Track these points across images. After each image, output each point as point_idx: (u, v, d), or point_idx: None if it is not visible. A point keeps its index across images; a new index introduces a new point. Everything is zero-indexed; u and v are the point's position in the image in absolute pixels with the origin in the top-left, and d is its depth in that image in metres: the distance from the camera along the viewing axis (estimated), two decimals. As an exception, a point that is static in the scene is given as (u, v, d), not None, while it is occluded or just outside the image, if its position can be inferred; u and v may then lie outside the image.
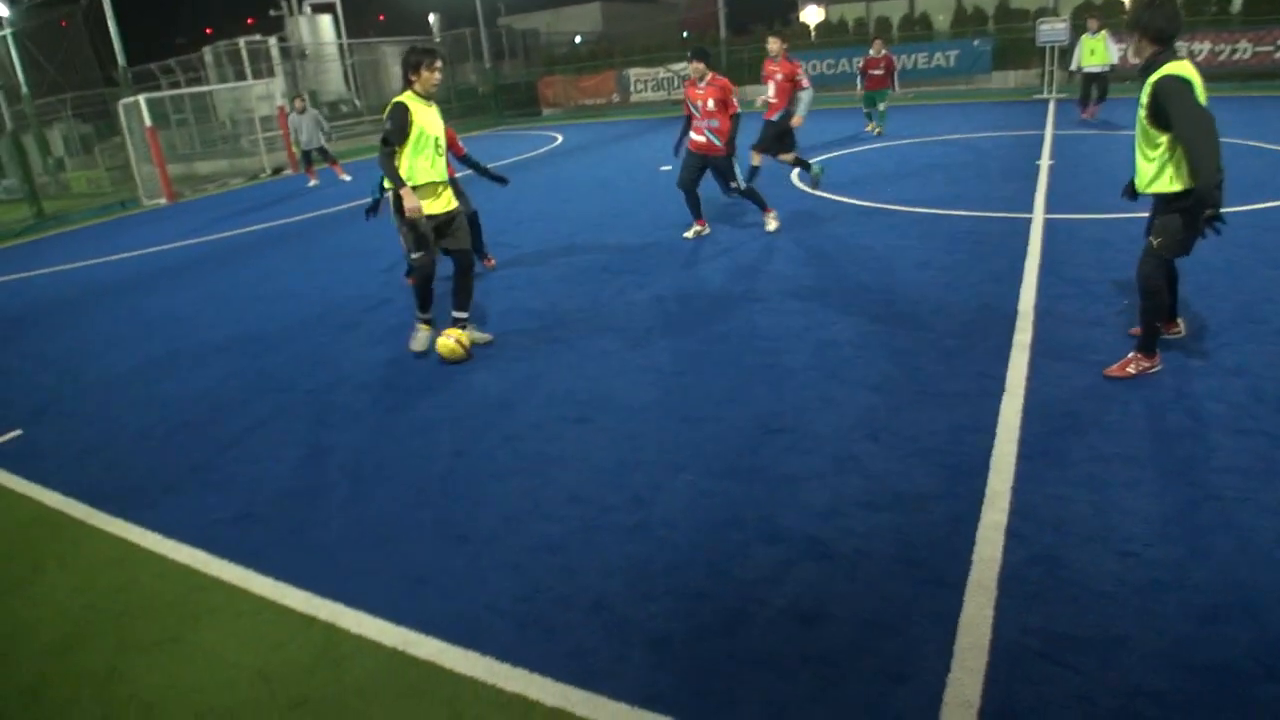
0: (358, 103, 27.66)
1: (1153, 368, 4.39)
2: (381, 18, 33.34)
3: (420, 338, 5.66)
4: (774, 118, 9.09)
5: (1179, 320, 4.81)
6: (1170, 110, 3.76)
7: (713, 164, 7.67)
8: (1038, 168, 10.43)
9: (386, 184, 5.42)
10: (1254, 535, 3.07)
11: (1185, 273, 6.01)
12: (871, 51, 14.25)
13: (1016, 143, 12.51)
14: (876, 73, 14.18)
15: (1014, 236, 7.24)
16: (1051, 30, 18.63)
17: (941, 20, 24.95)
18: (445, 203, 5.40)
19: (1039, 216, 7.90)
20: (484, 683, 2.66)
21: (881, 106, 14.49)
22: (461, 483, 3.91)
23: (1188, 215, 4.00)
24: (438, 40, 30.83)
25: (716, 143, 7.52)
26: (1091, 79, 14.09)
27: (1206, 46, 19.39)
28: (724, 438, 4.08)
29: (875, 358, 4.87)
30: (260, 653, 2.91)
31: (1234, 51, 19.31)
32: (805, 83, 8.97)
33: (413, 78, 5.18)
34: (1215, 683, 2.43)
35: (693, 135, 7.67)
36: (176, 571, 3.47)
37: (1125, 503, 3.31)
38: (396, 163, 5.14)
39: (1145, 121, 3.97)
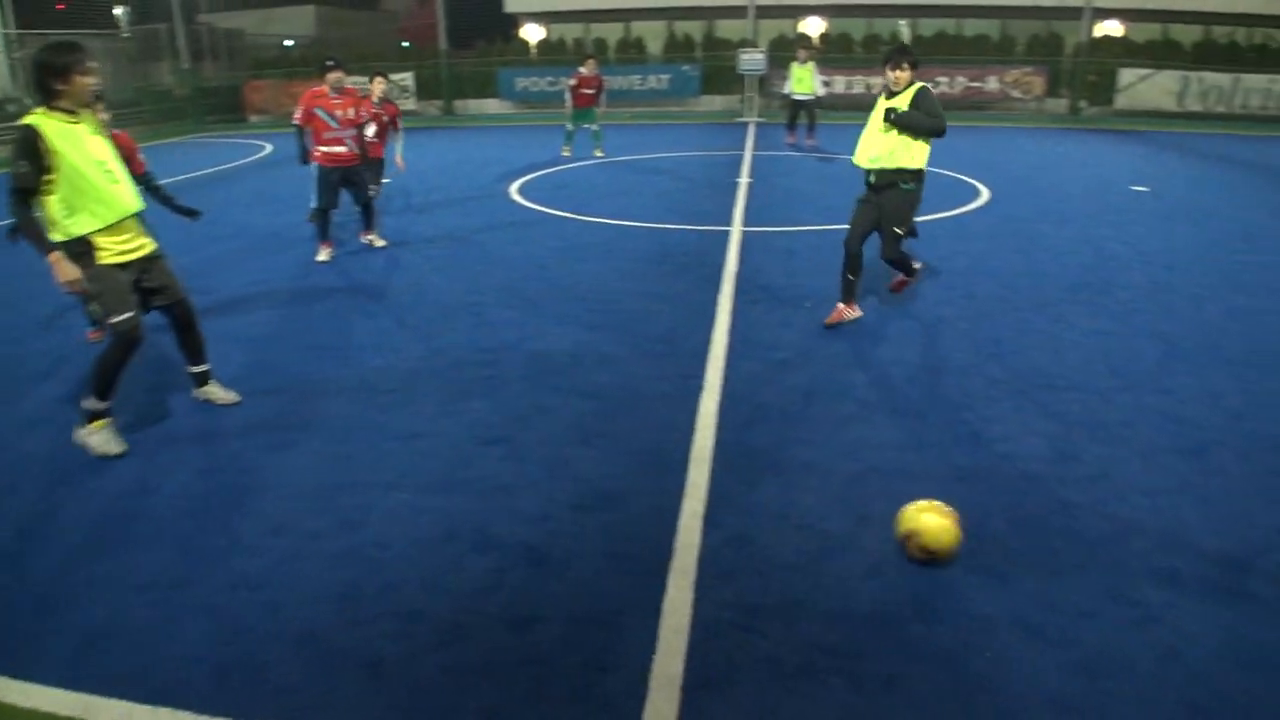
0: (27, 101, 24.15)
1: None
2: (61, 6, 29.31)
3: (101, 438, 4.11)
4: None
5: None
6: (928, 105, 5.26)
7: (355, 172, 7.64)
8: (737, 185, 11.37)
9: (58, 232, 3.88)
10: (905, 500, 3.54)
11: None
12: (584, 70, 14.00)
13: (720, 162, 13.55)
14: (588, 91, 13.95)
15: (714, 248, 7.84)
16: (750, 60, 20.39)
17: (655, 45, 26.41)
18: (138, 242, 4.14)
19: (736, 229, 8.63)
20: (178, 739, 2.44)
21: (596, 126, 14.32)
22: (147, 524, 3.54)
23: (912, 196, 5.48)
24: (126, 36, 27.68)
25: (357, 150, 7.58)
26: (799, 105, 14.99)
27: (880, 81, 22.19)
28: (439, 452, 4.05)
29: (587, 365, 5.07)
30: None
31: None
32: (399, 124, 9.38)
33: (60, 86, 3.78)
34: (877, 629, 2.80)
35: (330, 149, 7.46)
36: None
37: (804, 481, 3.72)
38: (42, 214, 3.82)
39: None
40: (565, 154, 14.49)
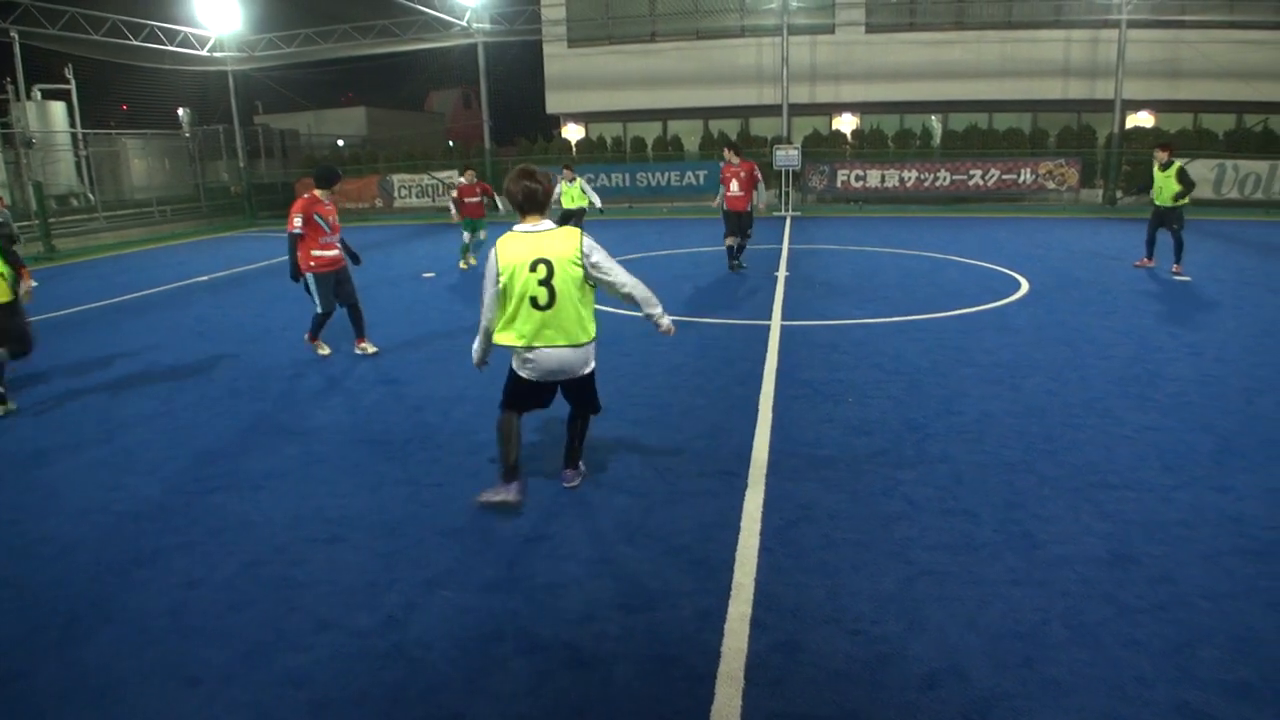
0: (91, 197, 25.32)
1: None
2: (125, 108, 31.22)
3: None
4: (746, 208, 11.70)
5: None
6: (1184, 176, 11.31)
7: (345, 275, 7.83)
8: (775, 278, 11.49)
9: None
10: (959, 604, 3.46)
11: (898, 372, 6.82)
12: (463, 180, 14.18)
13: (757, 255, 13.70)
14: (472, 200, 14.04)
15: (755, 342, 7.88)
16: (786, 156, 20.91)
17: (691, 142, 27.14)
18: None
19: (776, 323, 8.67)
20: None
21: (482, 234, 14.14)
22: (194, 617, 3.55)
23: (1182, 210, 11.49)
24: (188, 136, 29.12)
25: (344, 254, 7.84)
26: (569, 215, 14.88)
27: (914, 175, 22.53)
28: (483, 550, 4.03)
29: (630, 461, 5.05)
30: None
31: (935, 179, 22.57)
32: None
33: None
34: (931, 746, 2.69)
35: (325, 253, 7.60)
36: None
37: (853, 584, 3.63)
38: None
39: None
40: (462, 266, 13.97)
